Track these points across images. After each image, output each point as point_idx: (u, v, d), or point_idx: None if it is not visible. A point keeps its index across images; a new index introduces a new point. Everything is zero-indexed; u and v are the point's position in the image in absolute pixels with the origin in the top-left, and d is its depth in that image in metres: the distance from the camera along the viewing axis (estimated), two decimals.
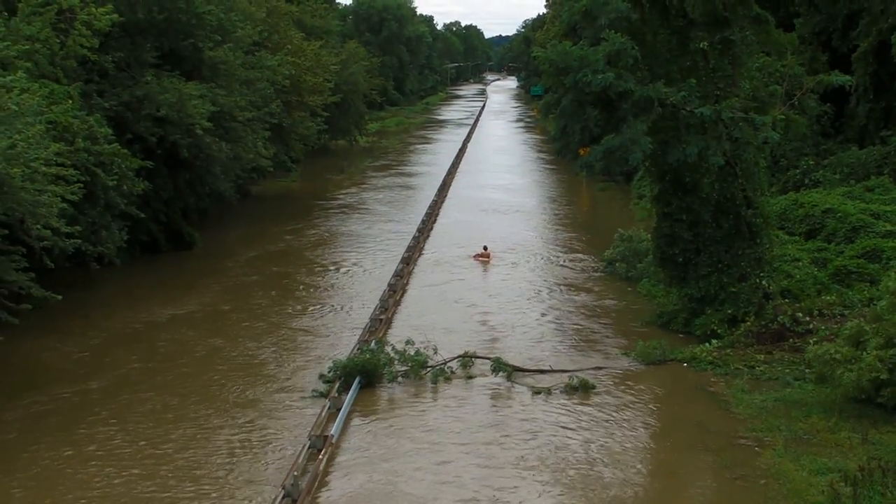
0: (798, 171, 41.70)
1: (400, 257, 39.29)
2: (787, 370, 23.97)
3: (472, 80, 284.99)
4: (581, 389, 23.42)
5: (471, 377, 24.77)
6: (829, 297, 27.48)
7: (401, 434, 21.30)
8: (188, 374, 25.87)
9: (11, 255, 24.54)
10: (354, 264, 39.71)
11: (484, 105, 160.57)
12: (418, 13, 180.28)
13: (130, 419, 22.31)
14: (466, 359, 25.41)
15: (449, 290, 34.86)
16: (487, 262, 39.65)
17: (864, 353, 20.81)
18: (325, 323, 30.90)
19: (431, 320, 30.27)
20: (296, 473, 18.22)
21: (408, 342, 25.66)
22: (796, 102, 29.15)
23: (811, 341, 23.93)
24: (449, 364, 25.12)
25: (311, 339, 29.10)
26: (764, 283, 26.69)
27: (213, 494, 18.37)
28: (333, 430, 20.77)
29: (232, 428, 21.63)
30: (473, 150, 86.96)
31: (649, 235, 31.45)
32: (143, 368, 26.31)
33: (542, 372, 25.02)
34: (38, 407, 23.26)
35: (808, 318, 26.05)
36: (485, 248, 40.58)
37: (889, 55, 40.46)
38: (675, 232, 27.95)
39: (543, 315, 30.97)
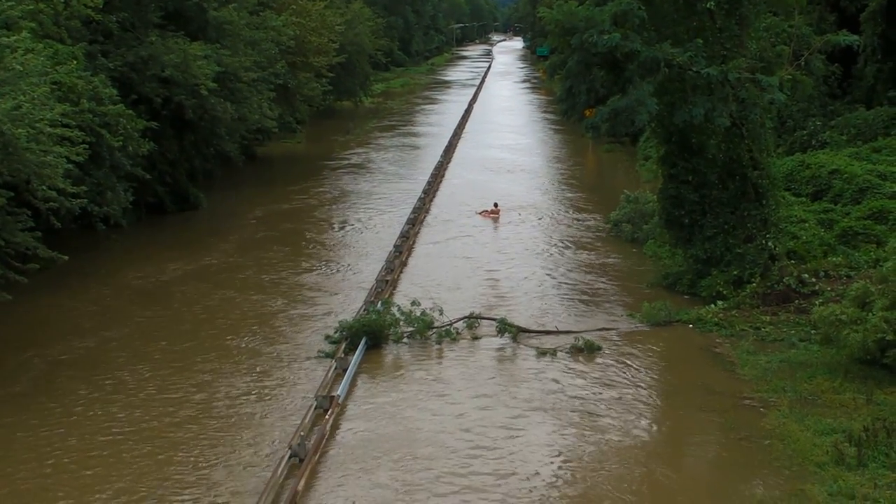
0: (805, 132, 41.51)
1: (406, 218, 39.34)
2: (793, 331, 23.99)
3: (477, 41, 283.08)
4: (586, 350, 23.48)
5: (476, 338, 24.84)
6: (835, 259, 27.45)
7: (407, 392, 21.47)
8: (198, 327, 26.46)
9: (17, 215, 24.57)
10: (361, 223, 39.94)
11: (489, 66, 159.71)
12: None
13: (145, 366, 23.27)
14: (472, 319, 25.48)
15: (455, 249, 34.93)
16: (497, 218, 39.88)
17: (870, 314, 20.80)
18: (331, 281, 31.11)
19: (437, 280, 30.39)
20: (302, 433, 18.34)
21: (413, 303, 25.73)
22: (803, 63, 28.98)
23: (817, 302, 23.93)
24: (455, 325, 25.20)
25: (319, 296, 29.22)
26: (770, 244, 26.65)
27: (221, 458, 18.55)
28: (340, 390, 20.89)
29: (241, 387, 21.80)
30: (479, 110, 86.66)
31: (655, 197, 31.40)
32: (155, 320, 27.09)
33: (547, 333, 25.09)
34: (58, 356, 24.18)
35: (813, 280, 26.03)
36: (496, 204, 40.86)
37: None
38: (680, 193, 27.89)
39: (549, 275, 30.99)
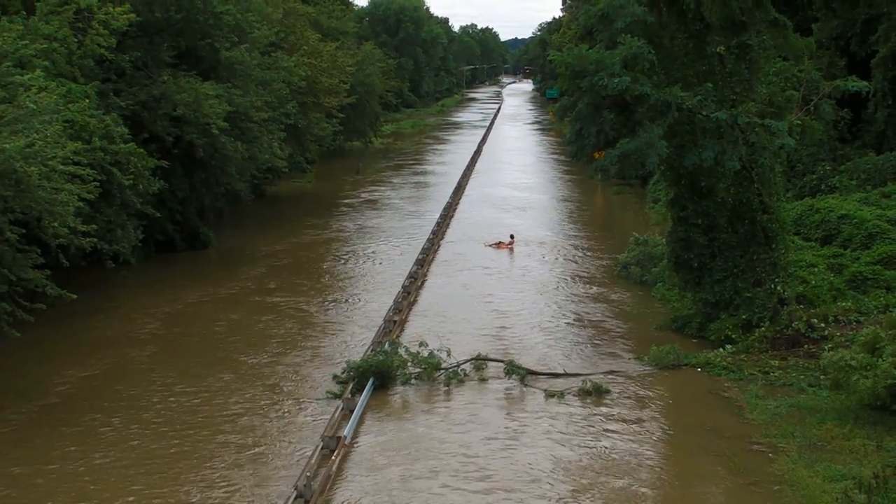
0: (814, 176, 41.56)
1: (416, 255, 39.55)
2: (802, 376, 23.86)
3: (487, 83, 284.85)
4: (594, 393, 23.38)
5: (484, 380, 24.77)
6: (844, 304, 27.36)
7: (413, 434, 21.33)
8: (211, 359, 26.96)
9: (27, 252, 24.62)
10: (372, 258, 40.59)
11: (499, 108, 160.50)
12: (434, 15, 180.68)
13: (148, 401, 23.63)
14: (480, 361, 25.40)
15: (463, 289, 34.92)
16: (512, 250, 41.03)
17: (880, 359, 20.73)
18: (341, 317, 31.45)
19: (445, 320, 30.40)
20: (308, 474, 18.25)
21: (421, 344, 25.66)
22: (813, 108, 29.03)
23: (826, 347, 23.83)
24: (462, 366, 25.11)
25: (328, 333, 29.45)
26: (779, 288, 26.57)
27: (228, 497, 18.45)
28: (346, 430, 20.79)
29: (249, 426, 21.77)
30: (489, 151, 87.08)
31: (664, 240, 31.38)
32: (162, 354, 27.76)
33: (555, 375, 24.99)
34: (91, 371, 25.93)
35: (823, 325, 25.93)
36: (511, 236, 41.76)
37: None
38: (690, 236, 27.87)
39: (557, 317, 30.92)
